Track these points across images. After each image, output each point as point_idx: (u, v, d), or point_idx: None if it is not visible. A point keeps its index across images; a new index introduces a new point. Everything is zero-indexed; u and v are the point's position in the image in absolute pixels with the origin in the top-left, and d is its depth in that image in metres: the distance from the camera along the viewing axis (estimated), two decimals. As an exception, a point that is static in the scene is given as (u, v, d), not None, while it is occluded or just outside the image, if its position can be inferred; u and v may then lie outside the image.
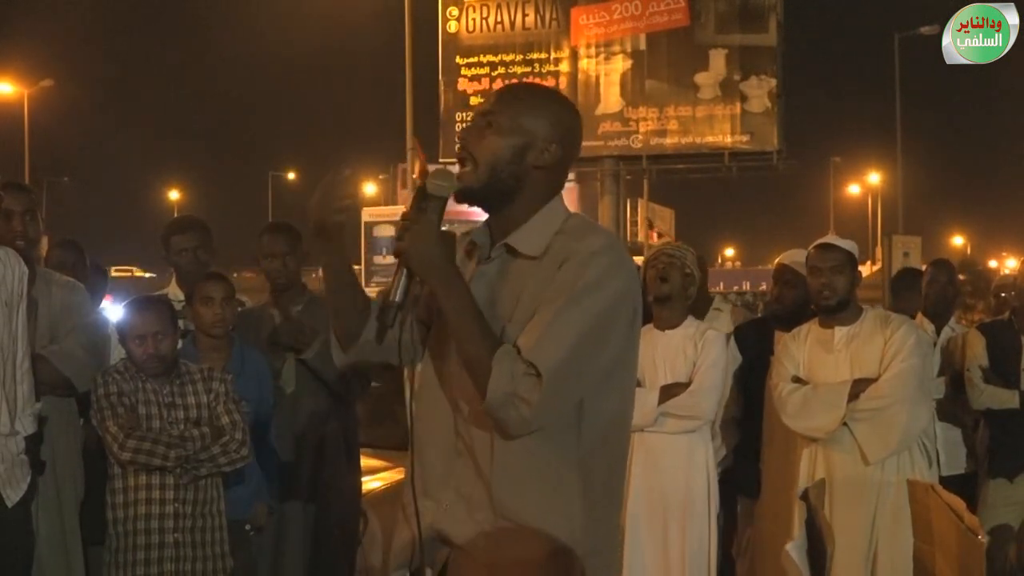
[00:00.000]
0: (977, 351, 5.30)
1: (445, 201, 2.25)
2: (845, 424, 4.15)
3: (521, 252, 2.31)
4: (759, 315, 6.96)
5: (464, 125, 2.46)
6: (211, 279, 4.30)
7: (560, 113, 2.41)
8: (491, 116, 2.33)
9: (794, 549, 4.20)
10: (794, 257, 5.01)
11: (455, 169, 2.35)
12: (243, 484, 4.10)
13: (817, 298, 4.31)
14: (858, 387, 4.14)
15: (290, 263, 4.63)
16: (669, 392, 4.38)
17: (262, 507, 4.29)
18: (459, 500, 2.28)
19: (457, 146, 2.38)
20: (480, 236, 2.41)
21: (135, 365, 3.82)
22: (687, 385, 4.41)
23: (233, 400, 3.91)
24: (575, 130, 2.44)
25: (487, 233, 2.40)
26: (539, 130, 2.33)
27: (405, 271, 2.21)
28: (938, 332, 5.74)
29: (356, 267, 20.78)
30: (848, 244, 4.36)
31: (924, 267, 6.84)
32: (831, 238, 4.44)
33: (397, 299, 2.20)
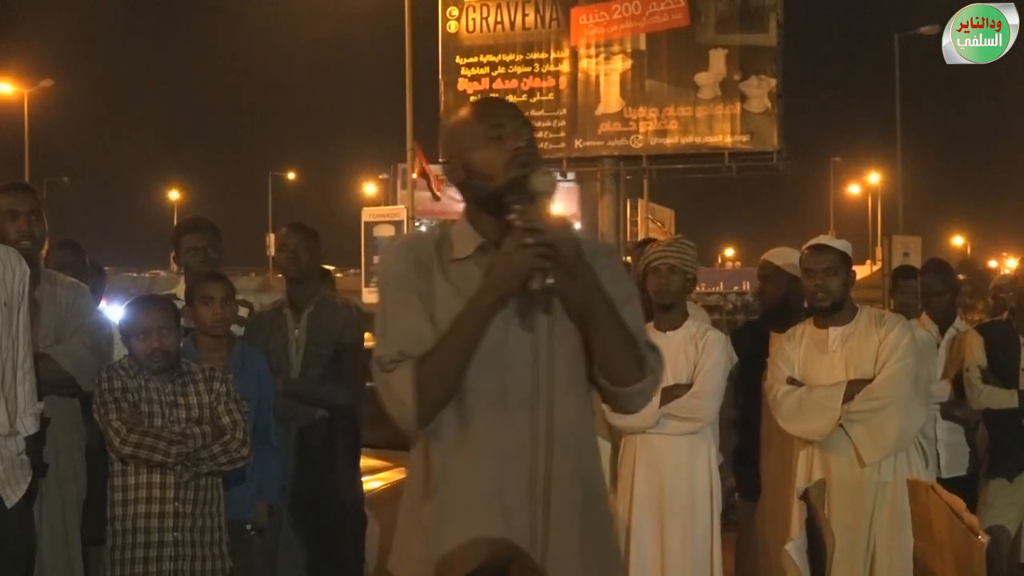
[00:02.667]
0: (976, 352, 5.29)
1: (552, 196, 2.33)
2: (841, 426, 4.13)
3: None
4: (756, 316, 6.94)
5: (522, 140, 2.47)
6: (211, 279, 4.32)
7: None
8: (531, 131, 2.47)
9: (794, 549, 4.21)
10: (778, 254, 5.01)
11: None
12: (244, 484, 4.10)
13: (812, 300, 4.30)
14: (853, 388, 4.11)
15: (302, 257, 4.76)
16: (671, 394, 4.37)
17: (263, 507, 4.30)
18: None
19: (523, 159, 2.38)
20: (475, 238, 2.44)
21: (138, 362, 3.82)
22: (688, 387, 4.40)
23: (234, 400, 3.91)
24: None
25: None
26: None
27: (545, 263, 2.25)
28: (942, 332, 5.71)
29: (355, 270, 20.80)
30: (841, 244, 4.32)
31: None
32: (824, 239, 4.39)
33: (537, 286, 2.27)
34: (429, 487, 2.37)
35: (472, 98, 20.85)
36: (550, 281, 2.26)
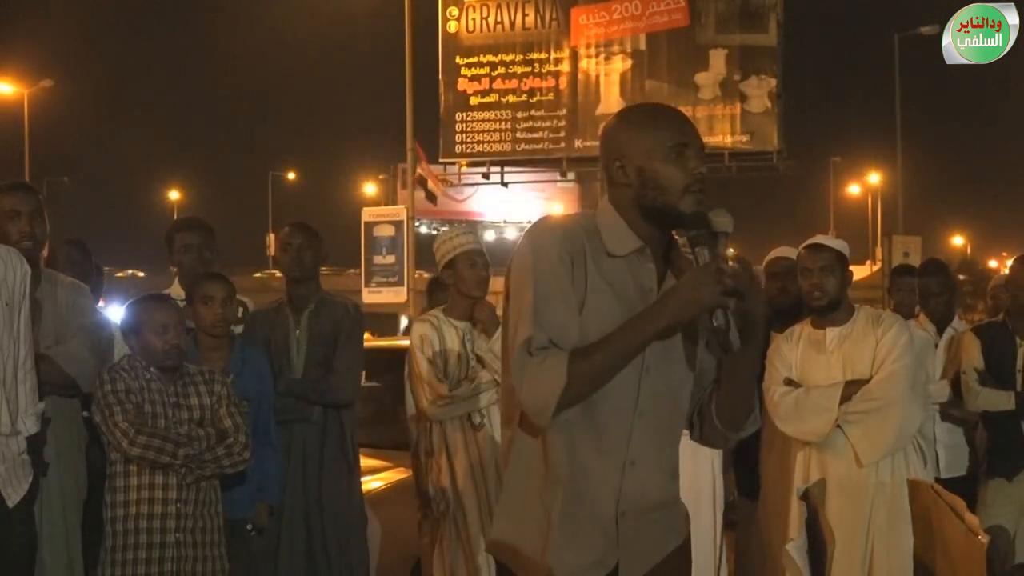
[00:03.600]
0: (972, 353, 5.28)
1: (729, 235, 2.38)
2: (839, 426, 4.12)
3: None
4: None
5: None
6: (211, 279, 4.32)
7: None
8: None
9: (794, 549, 4.21)
10: (789, 251, 4.99)
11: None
12: (244, 484, 4.11)
13: (808, 299, 4.29)
14: (850, 389, 4.10)
15: (305, 256, 4.77)
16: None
17: (263, 507, 4.31)
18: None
19: (702, 187, 2.42)
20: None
21: (153, 358, 3.81)
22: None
23: (234, 403, 3.92)
24: None
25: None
26: None
27: (729, 303, 2.30)
28: (940, 333, 5.70)
29: (355, 270, 20.79)
30: (838, 244, 4.31)
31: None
32: (821, 238, 4.37)
33: (719, 324, 2.32)
34: (552, 472, 2.41)
35: (472, 98, 20.86)
36: (729, 320, 2.32)
